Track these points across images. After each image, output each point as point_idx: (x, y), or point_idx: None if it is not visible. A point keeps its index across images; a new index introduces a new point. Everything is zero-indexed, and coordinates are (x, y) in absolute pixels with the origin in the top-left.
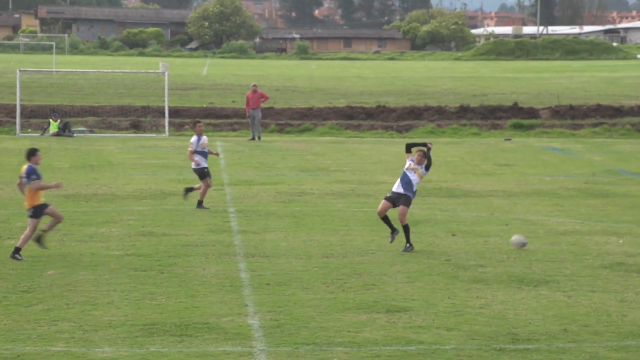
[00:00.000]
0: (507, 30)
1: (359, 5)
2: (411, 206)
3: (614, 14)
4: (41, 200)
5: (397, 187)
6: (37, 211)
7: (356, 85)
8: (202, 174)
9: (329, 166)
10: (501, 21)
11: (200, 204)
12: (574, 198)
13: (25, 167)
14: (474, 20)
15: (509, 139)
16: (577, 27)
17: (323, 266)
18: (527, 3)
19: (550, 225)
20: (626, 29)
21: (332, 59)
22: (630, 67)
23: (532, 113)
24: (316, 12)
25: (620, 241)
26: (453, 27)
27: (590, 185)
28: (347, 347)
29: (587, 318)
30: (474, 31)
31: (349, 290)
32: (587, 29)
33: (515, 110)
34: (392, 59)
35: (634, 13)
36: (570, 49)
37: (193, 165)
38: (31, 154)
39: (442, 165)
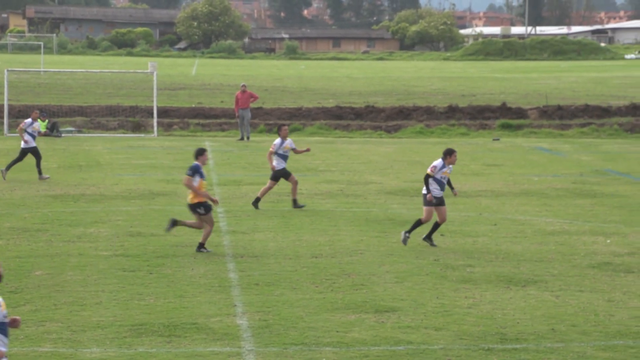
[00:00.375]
0: (496, 30)
1: (348, 6)
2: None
3: (602, 15)
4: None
5: (440, 193)
6: (206, 207)
7: (345, 85)
8: (277, 175)
9: (317, 166)
10: (490, 21)
11: (295, 202)
12: (562, 198)
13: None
14: (463, 20)
15: (498, 139)
16: (565, 27)
17: (312, 266)
18: (515, 3)
19: (539, 225)
20: (614, 30)
21: (321, 59)
22: (618, 67)
23: (520, 113)
24: (305, 12)
25: (608, 241)
26: (442, 27)
27: (578, 185)
28: (335, 347)
29: (574, 318)
30: (462, 31)
31: (337, 290)
32: (575, 29)
33: (504, 110)
34: (381, 59)
35: (621, 13)
36: (559, 49)
37: (277, 165)
38: (199, 153)
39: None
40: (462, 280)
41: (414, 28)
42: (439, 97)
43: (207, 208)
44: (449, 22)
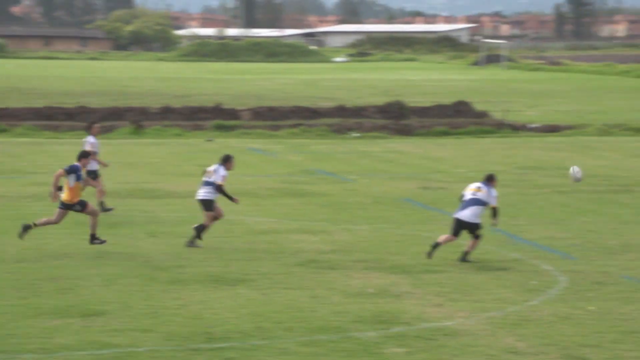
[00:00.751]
0: (211, 31)
1: (60, 4)
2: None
3: (313, 18)
4: (77, 199)
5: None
6: (81, 204)
7: (56, 85)
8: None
9: (24, 168)
10: (205, 23)
11: (102, 204)
12: (273, 197)
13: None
14: (178, 21)
15: (211, 140)
16: (278, 30)
17: (15, 271)
18: (230, 5)
19: (249, 225)
20: (324, 33)
21: (31, 57)
22: (327, 69)
23: (233, 114)
24: (14, 9)
25: (315, 239)
26: (157, 27)
27: (288, 184)
28: (37, 354)
29: (280, 315)
30: (178, 32)
31: (42, 295)
32: (288, 32)
33: (218, 111)
34: (94, 58)
35: (331, 18)
36: (272, 51)
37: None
38: (83, 156)
39: (144, 166)
40: (172, 281)
41: (128, 28)
42: (154, 98)
43: (83, 205)
44: (164, 23)
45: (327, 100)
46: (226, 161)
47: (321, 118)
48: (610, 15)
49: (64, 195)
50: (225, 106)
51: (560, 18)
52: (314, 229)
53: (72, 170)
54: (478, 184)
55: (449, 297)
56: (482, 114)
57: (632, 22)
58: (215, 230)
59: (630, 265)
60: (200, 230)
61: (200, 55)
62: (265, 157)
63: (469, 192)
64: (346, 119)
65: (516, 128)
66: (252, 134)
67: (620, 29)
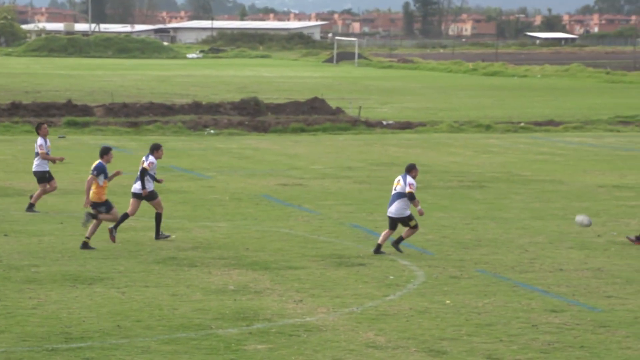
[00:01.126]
0: (59, 26)
1: None
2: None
3: (164, 14)
4: (104, 197)
5: (152, 186)
6: (107, 206)
7: None
8: (43, 177)
9: None
10: (52, 17)
11: (30, 207)
12: (129, 195)
13: (96, 163)
14: (25, 15)
15: (63, 137)
16: (128, 25)
17: None
18: (78, 0)
19: (105, 223)
20: (176, 29)
21: None
22: (180, 66)
23: (86, 110)
24: None
25: (173, 237)
26: (2, 21)
27: None
28: None
29: (140, 313)
30: (24, 26)
31: None
32: (139, 27)
33: (70, 107)
34: None
35: (182, 13)
36: (123, 47)
37: (36, 167)
38: (104, 152)
39: None
40: (26, 280)
41: None
42: (1, 94)
43: (109, 207)
44: (9, 17)
45: (182, 96)
46: (156, 149)
47: (176, 114)
48: (457, 14)
49: (92, 196)
50: (77, 102)
51: (408, 16)
52: (172, 226)
53: (100, 171)
54: (399, 177)
55: (309, 292)
56: (337, 111)
57: (476, 21)
58: (71, 229)
59: (484, 259)
60: (158, 220)
61: (49, 51)
62: (121, 154)
63: (393, 187)
64: (202, 115)
65: (371, 125)
66: (106, 130)
67: (467, 28)
